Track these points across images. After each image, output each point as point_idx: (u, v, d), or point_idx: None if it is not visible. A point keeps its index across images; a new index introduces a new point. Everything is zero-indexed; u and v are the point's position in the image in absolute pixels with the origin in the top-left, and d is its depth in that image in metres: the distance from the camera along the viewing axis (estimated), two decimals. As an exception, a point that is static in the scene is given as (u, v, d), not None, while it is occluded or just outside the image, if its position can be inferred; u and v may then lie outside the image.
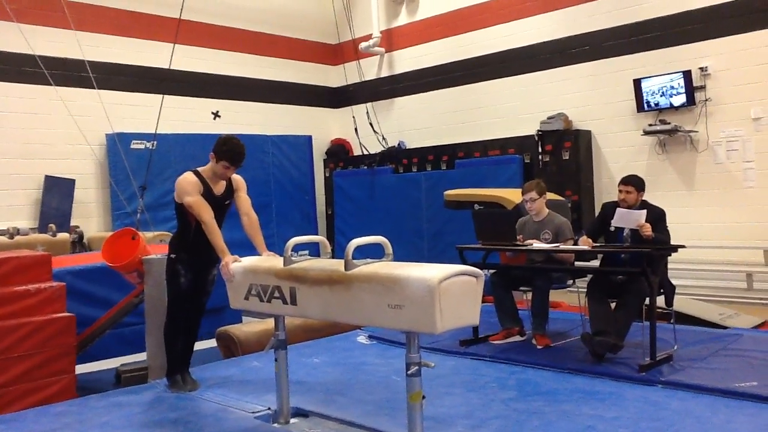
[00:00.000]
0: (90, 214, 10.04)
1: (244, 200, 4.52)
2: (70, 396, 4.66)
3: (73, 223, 9.32)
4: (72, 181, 9.60)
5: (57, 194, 9.42)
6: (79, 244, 8.71)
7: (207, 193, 4.37)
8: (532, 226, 5.58)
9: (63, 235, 8.44)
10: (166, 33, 9.50)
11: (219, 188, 4.47)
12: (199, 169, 4.46)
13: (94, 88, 7.91)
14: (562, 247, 5.17)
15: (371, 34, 12.16)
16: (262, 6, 12.22)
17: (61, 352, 4.74)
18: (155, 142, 9.42)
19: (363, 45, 12.24)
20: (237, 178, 4.57)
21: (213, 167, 4.40)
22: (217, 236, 4.19)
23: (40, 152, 9.48)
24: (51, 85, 7.92)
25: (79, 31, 8.70)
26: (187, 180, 4.35)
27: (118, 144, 9.02)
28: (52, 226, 8.50)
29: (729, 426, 3.45)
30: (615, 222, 4.95)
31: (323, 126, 13.21)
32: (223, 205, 4.50)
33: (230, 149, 4.33)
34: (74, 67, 9.20)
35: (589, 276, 5.26)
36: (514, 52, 10.48)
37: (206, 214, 4.23)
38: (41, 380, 4.64)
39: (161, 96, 8.18)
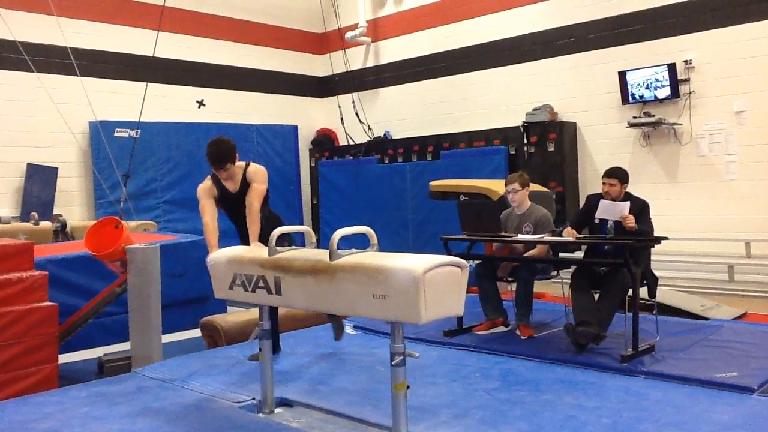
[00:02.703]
0: (73, 203, 9.95)
1: (251, 190, 4.71)
2: (52, 386, 4.62)
3: (55, 211, 9.22)
4: (55, 169, 9.50)
5: (39, 182, 9.32)
6: (61, 232, 8.63)
7: (223, 193, 4.72)
8: (515, 219, 5.61)
9: (45, 224, 8.36)
10: (150, 20, 9.41)
11: (233, 186, 4.74)
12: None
13: (76, 75, 7.84)
14: (547, 238, 5.20)
15: (357, 24, 12.11)
16: (247, -6, 12.14)
17: (43, 342, 4.68)
18: (139, 131, 9.35)
19: (349, 34, 12.18)
20: (251, 171, 4.75)
21: None
22: (210, 234, 4.53)
23: (22, 140, 9.37)
24: (33, 71, 7.83)
25: (61, 17, 8.59)
26: (201, 186, 4.73)
27: (101, 132, 8.92)
28: (35, 214, 8.41)
29: (709, 416, 3.49)
30: (599, 214, 4.98)
31: (309, 115, 13.16)
32: (242, 201, 4.70)
33: (208, 154, 4.62)
34: (57, 53, 9.10)
35: (573, 267, 5.29)
36: (500, 44, 10.48)
37: (206, 216, 4.64)
38: (23, 370, 4.58)
39: (145, 84, 8.12)
